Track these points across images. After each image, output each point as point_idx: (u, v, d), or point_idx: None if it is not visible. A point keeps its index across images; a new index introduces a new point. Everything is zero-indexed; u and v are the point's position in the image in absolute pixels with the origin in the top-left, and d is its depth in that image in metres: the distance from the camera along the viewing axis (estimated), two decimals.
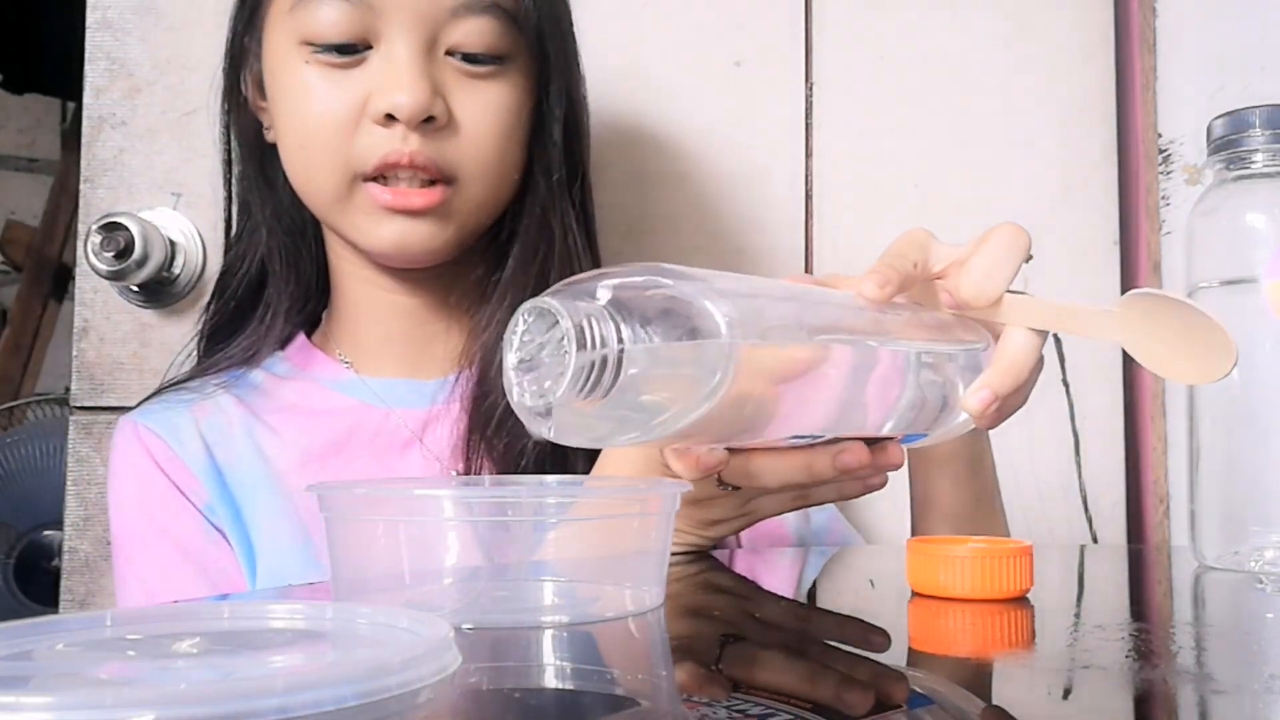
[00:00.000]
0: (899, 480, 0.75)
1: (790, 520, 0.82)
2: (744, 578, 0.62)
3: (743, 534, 0.80)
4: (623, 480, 0.60)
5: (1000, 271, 0.55)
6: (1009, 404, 0.55)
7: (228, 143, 0.83)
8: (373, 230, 0.74)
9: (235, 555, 0.75)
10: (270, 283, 0.83)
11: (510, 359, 0.45)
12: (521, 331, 0.44)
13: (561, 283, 0.45)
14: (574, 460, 0.75)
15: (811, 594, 0.62)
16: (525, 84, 0.76)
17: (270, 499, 0.76)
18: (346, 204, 0.74)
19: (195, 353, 0.85)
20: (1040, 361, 0.56)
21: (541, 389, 0.44)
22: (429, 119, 0.71)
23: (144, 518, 0.76)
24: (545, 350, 0.43)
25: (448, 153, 0.73)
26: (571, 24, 0.82)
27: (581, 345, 0.42)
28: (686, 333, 0.44)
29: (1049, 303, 0.55)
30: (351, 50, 0.72)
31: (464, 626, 0.42)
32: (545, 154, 0.78)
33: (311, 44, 0.72)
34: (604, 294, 0.44)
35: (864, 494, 0.59)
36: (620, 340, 0.43)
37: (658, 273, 0.45)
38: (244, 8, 0.79)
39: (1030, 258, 0.57)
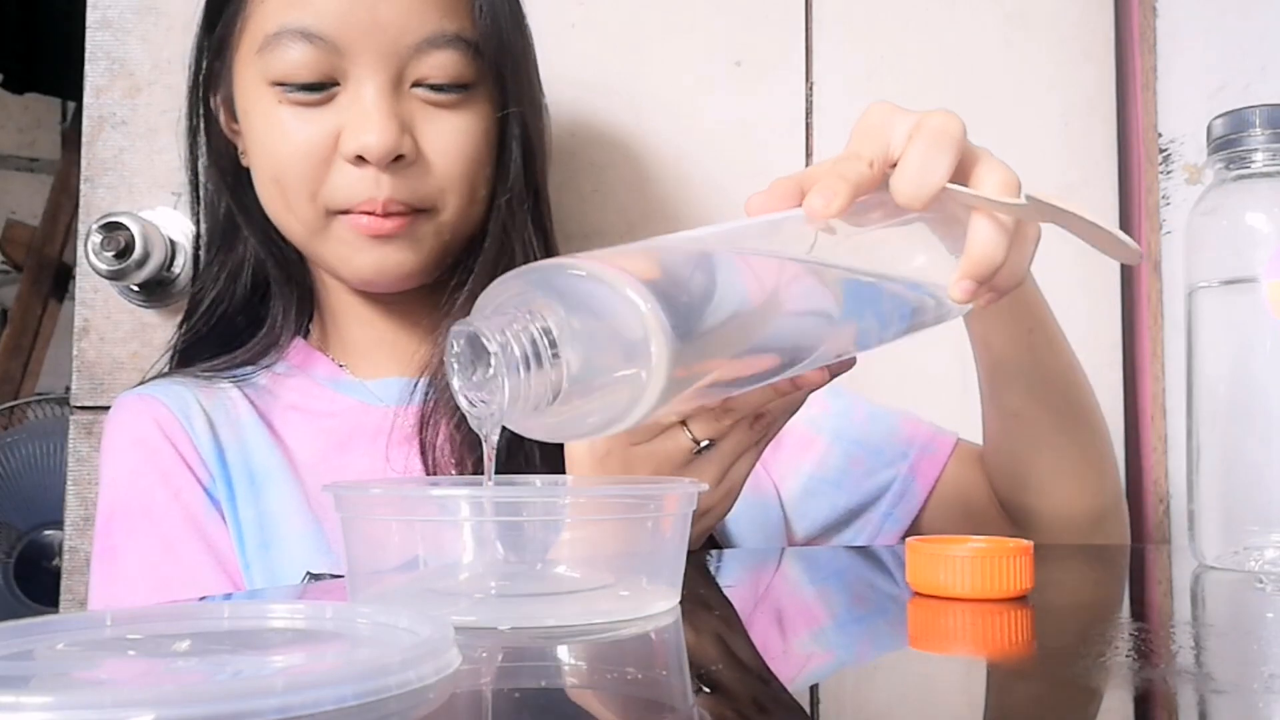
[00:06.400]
0: (970, 381, 0.74)
1: (804, 420, 0.82)
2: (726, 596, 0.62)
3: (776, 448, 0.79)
4: (639, 480, 0.60)
5: (932, 170, 0.52)
6: (1003, 278, 0.54)
7: (194, 160, 0.84)
8: (351, 258, 0.76)
9: (230, 536, 0.75)
10: (273, 291, 0.85)
11: (455, 382, 0.44)
12: (456, 353, 0.43)
13: (489, 291, 0.44)
14: (531, 451, 0.75)
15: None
16: (487, 109, 0.78)
17: (278, 488, 0.77)
18: (324, 235, 0.76)
19: (168, 367, 0.85)
20: (1035, 232, 0.56)
21: (489, 411, 0.43)
22: (398, 157, 0.73)
23: (151, 488, 0.76)
24: (481, 371, 0.42)
25: (419, 188, 0.75)
26: (527, 38, 0.82)
27: (514, 366, 0.41)
28: (616, 328, 0.42)
29: (978, 194, 0.53)
30: (321, 88, 0.73)
31: (477, 627, 0.42)
32: (506, 174, 0.80)
33: (282, 85, 0.73)
34: (530, 301, 0.43)
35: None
36: (554, 349, 0.41)
37: (574, 268, 0.43)
38: (211, 36, 0.80)
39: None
